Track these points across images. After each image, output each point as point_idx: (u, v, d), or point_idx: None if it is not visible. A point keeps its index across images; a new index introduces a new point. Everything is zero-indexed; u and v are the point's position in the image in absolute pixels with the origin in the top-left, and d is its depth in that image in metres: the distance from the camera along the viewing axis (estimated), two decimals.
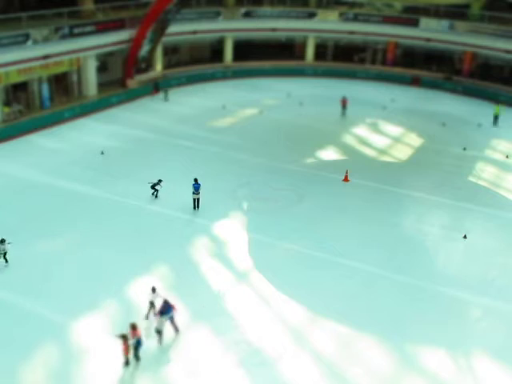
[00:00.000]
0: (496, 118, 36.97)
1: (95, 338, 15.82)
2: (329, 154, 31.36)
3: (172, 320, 15.84)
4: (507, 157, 31.74)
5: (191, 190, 23.05)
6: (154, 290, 16.36)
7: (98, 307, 17.04)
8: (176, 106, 38.74)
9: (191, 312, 17.05)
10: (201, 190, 22.98)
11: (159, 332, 15.55)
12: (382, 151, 32.16)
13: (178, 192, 24.90)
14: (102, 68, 40.30)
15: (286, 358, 15.34)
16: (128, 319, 16.56)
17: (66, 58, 35.03)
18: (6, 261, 18.81)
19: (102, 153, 29.11)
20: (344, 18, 48.92)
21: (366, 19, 48.51)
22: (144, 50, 40.02)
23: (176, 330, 16.01)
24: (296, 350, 15.70)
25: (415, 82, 46.41)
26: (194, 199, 23.17)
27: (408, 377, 15.09)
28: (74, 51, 35.13)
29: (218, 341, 15.88)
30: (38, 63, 32.86)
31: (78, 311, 16.73)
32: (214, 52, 49.66)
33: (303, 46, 51.07)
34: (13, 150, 29.06)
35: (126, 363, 14.63)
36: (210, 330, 16.30)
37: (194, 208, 23.21)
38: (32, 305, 16.99)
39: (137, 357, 14.68)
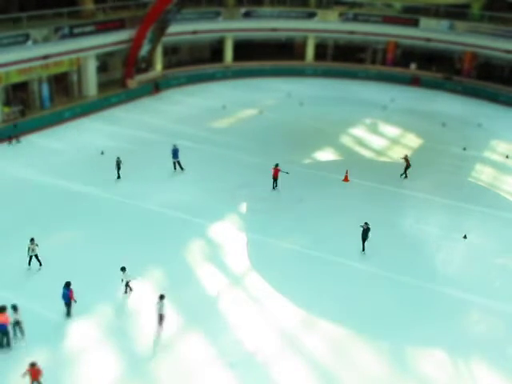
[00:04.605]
0: None
1: (90, 338, 15.83)
2: (329, 154, 31.36)
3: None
4: (507, 157, 31.75)
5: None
6: (123, 269, 17.22)
7: (93, 308, 17.01)
8: (176, 106, 38.75)
9: (188, 312, 17.05)
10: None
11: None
12: (382, 151, 32.15)
13: (177, 192, 24.93)
14: (102, 68, 40.30)
15: (281, 361, 15.31)
16: (123, 320, 16.59)
17: (65, 57, 35.02)
18: (40, 263, 18.71)
19: (102, 153, 29.10)
20: (344, 18, 48.94)
21: (366, 19, 48.54)
22: (144, 50, 40.01)
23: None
24: (292, 352, 15.64)
25: (415, 81, 46.42)
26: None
27: (405, 381, 15.03)
28: (73, 51, 35.12)
29: (213, 342, 15.83)
30: (38, 63, 32.85)
31: (74, 311, 16.63)
32: (214, 52, 49.67)
33: (303, 45, 51.07)
34: (13, 150, 29.05)
35: None
36: (206, 331, 16.27)
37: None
38: (29, 304, 16.95)
39: None
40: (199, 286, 18.45)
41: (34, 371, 13.64)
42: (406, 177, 27.74)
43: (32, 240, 18.40)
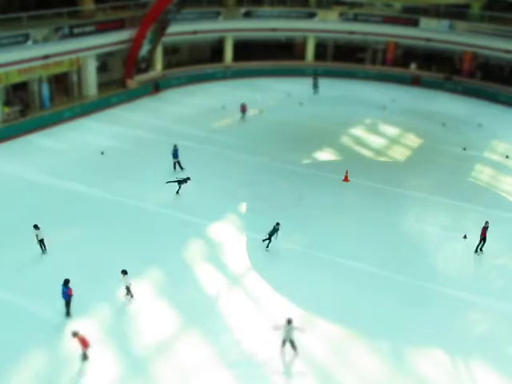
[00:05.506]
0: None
1: (90, 338, 15.67)
2: (329, 154, 31.36)
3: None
4: (507, 157, 31.73)
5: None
6: (125, 272, 16.99)
7: (92, 308, 17.02)
8: (176, 106, 38.73)
9: (188, 312, 17.05)
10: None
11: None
12: (382, 151, 32.14)
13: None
14: (102, 68, 40.29)
15: (281, 361, 15.29)
16: (120, 321, 16.58)
17: (65, 58, 35.02)
18: (45, 248, 19.42)
19: (102, 153, 29.10)
20: (344, 17, 48.91)
21: (366, 19, 48.48)
22: (144, 50, 40.01)
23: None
24: (291, 352, 15.57)
25: (415, 81, 46.40)
26: None
27: (405, 380, 15.01)
28: (74, 51, 35.13)
29: (213, 342, 15.82)
30: (38, 63, 32.85)
31: (74, 311, 16.63)
32: (214, 52, 49.68)
33: (303, 45, 51.07)
34: (13, 150, 29.06)
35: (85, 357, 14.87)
36: (206, 331, 16.26)
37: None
38: (29, 303, 17.00)
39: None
40: (199, 285, 18.46)
41: (81, 340, 14.33)
42: None
43: (35, 226, 19.06)
